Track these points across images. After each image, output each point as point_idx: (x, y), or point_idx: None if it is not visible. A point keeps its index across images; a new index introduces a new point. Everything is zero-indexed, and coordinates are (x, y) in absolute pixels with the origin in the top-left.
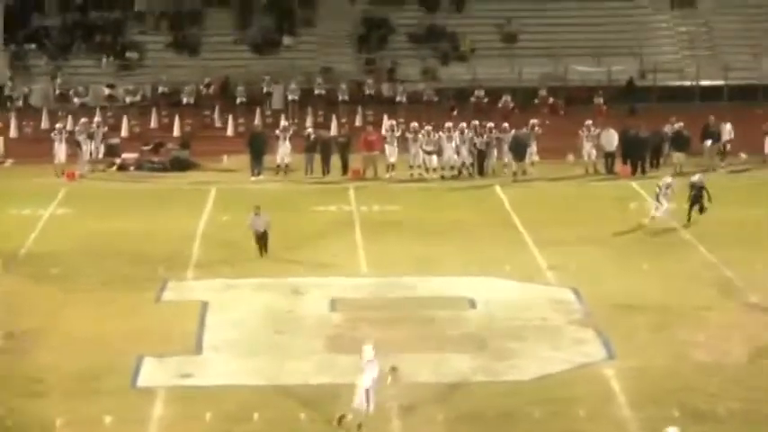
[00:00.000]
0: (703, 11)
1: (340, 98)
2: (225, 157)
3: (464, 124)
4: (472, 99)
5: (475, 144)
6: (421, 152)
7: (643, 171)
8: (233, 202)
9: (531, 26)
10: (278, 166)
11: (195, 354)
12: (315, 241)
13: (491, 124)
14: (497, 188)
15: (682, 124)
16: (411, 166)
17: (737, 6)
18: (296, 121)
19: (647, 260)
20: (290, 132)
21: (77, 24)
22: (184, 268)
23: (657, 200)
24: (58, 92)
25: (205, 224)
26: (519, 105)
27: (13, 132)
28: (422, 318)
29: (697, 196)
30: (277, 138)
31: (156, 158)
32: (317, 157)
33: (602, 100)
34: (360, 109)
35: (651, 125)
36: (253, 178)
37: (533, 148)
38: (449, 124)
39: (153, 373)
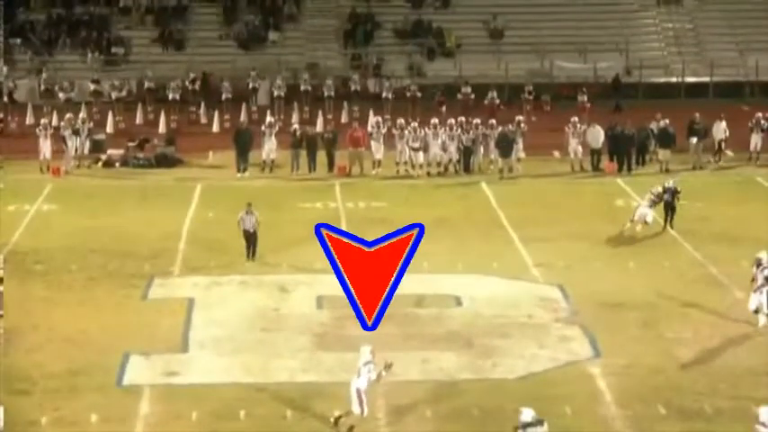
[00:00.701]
0: (689, 8)
1: (326, 94)
2: (210, 154)
3: (452, 120)
4: (459, 96)
5: (461, 141)
6: (407, 149)
7: (629, 168)
8: (219, 199)
9: (518, 22)
10: (263, 162)
11: (181, 351)
12: (301, 238)
13: (477, 121)
14: (484, 185)
15: (667, 121)
16: (397, 163)
17: (723, 3)
18: (282, 117)
19: (634, 258)
20: (276, 128)
21: (62, 19)
22: (170, 265)
23: (650, 206)
24: (43, 87)
25: (191, 221)
26: (504, 102)
27: None
28: (408, 315)
29: (669, 202)
30: (263, 134)
31: (141, 154)
32: (303, 154)
33: (586, 97)
34: (346, 105)
35: (637, 122)
36: (238, 174)
37: (520, 144)
38: (435, 121)
39: (139, 370)
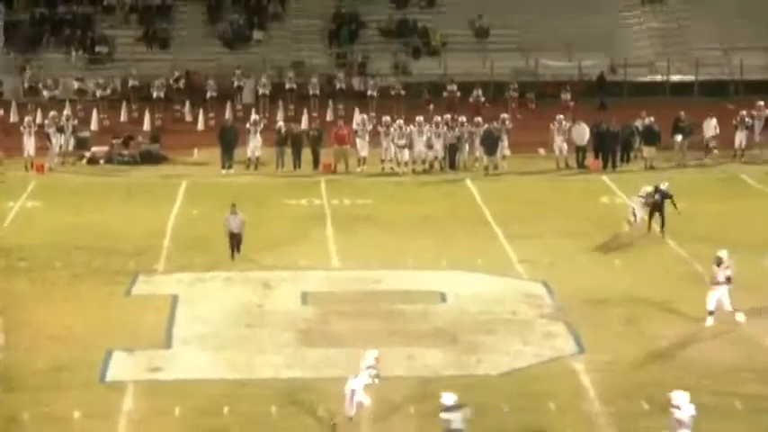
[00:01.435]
0: (674, 6)
1: (311, 92)
2: (195, 151)
3: (438, 118)
4: (444, 93)
5: (447, 138)
6: (392, 146)
7: (614, 165)
8: (203, 196)
9: (503, 21)
10: (249, 159)
11: (165, 348)
12: (286, 235)
13: (463, 118)
14: (469, 182)
15: (652, 119)
16: (382, 160)
17: (708, 2)
18: (267, 115)
19: (618, 254)
20: (261, 126)
21: (46, 19)
22: (154, 262)
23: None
24: (27, 85)
25: (175, 218)
26: (490, 100)
27: None
28: (393, 311)
29: (658, 205)
30: (248, 131)
31: (126, 152)
32: (288, 151)
33: (569, 95)
34: (331, 103)
35: (622, 120)
36: (223, 171)
37: (505, 142)
38: (420, 118)
39: (122, 366)
